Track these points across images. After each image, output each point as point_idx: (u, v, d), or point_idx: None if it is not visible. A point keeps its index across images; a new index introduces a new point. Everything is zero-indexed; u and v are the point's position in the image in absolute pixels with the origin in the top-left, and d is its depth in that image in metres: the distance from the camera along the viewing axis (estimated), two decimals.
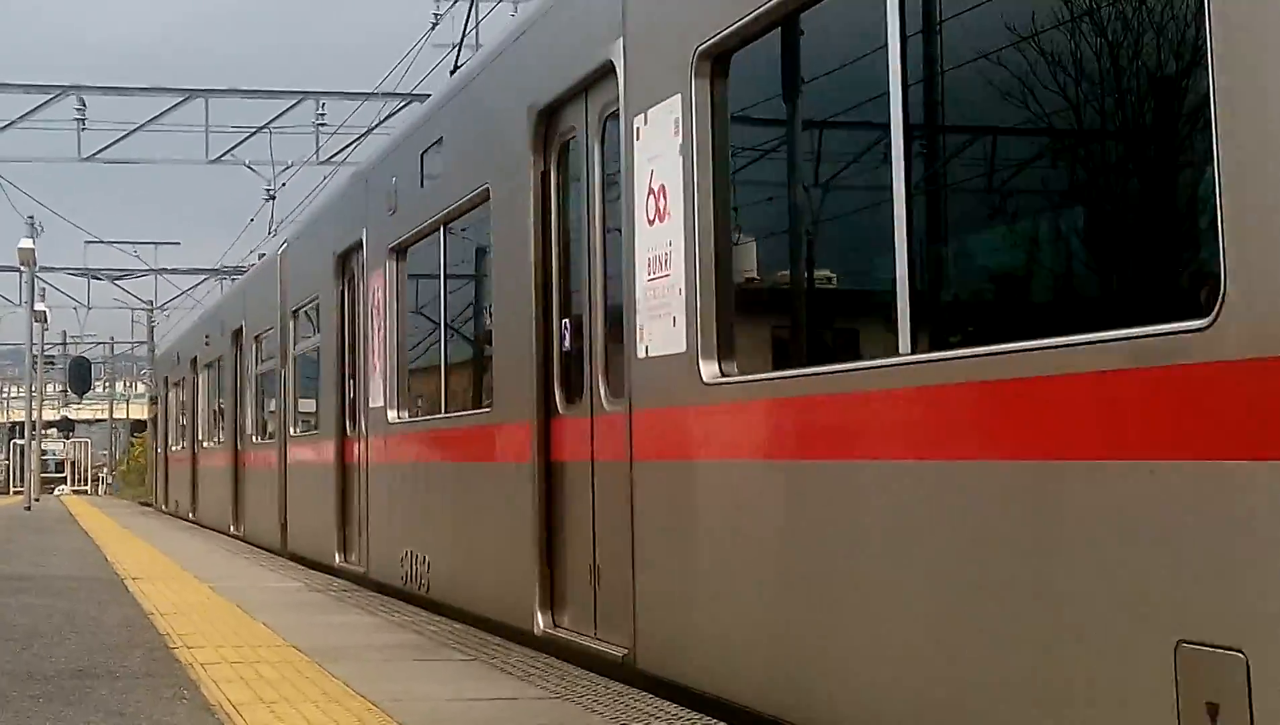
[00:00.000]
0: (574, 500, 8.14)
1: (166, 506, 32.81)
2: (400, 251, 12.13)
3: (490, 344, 9.53)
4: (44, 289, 48.66)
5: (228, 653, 8.13)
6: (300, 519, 16.46)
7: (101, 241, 53.99)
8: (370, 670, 7.50)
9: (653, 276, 6.87)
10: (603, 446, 7.71)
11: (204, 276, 54.24)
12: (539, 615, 8.39)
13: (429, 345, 11.78)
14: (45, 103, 31.82)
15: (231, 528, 21.65)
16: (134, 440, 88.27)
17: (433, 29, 27.82)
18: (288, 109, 32.90)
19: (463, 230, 10.75)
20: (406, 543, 11.47)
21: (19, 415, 70.09)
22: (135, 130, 32.59)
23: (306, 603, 11.27)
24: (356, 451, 13.42)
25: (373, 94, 31.46)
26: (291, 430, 17.08)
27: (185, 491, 28.66)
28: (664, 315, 6.73)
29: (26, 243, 37.45)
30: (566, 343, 8.29)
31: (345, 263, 14.13)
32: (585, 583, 7.94)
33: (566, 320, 8.32)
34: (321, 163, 33.50)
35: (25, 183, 55.10)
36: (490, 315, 9.58)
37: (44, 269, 47.26)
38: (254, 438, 20.46)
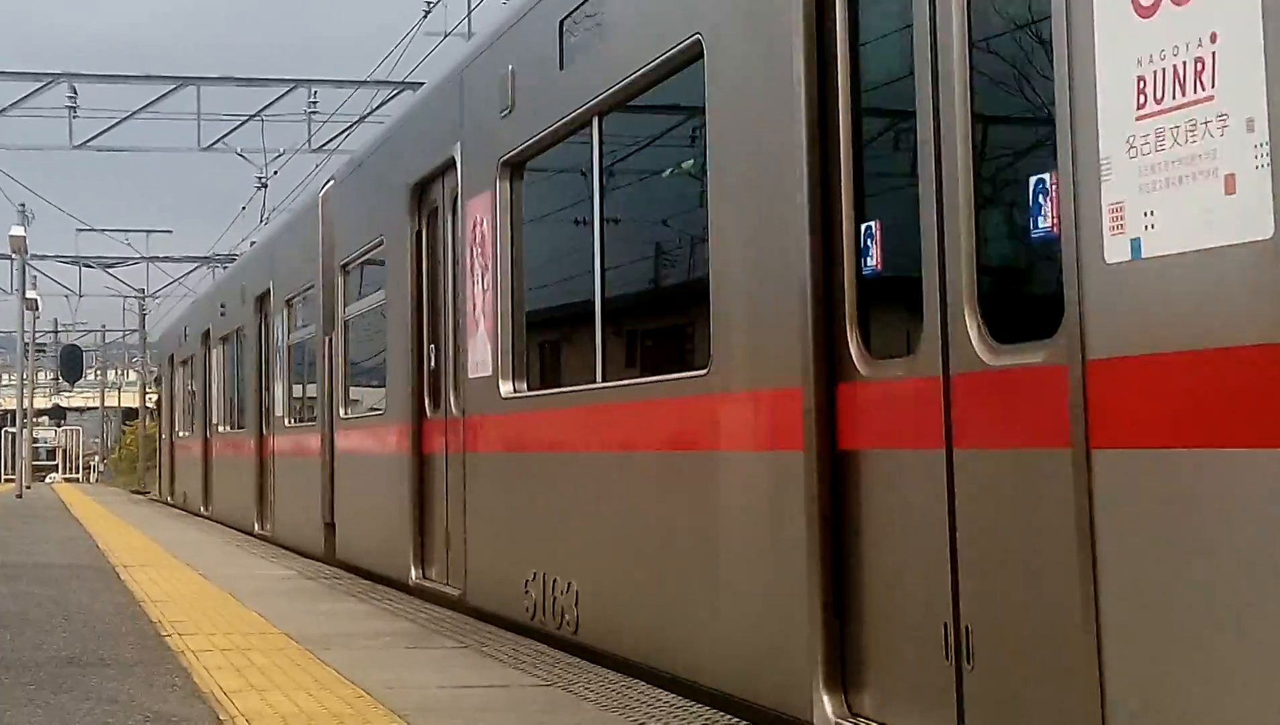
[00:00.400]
0: (894, 514, 5.20)
1: (173, 499, 30.16)
2: (518, 165, 9.08)
3: (700, 274, 6.54)
4: (35, 277, 48.66)
5: (219, 640, 8.12)
6: (355, 521, 13.28)
7: (93, 229, 53.93)
8: (362, 658, 7.50)
9: (1152, 108, 3.91)
10: (975, 425, 4.74)
11: (196, 264, 54.23)
12: (824, 700, 5.44)
13: (569, 289, 8.71)
14: (37, 90, 31.75)
15: (256, 526, 18.74)
16: (125, 428, 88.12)
17: (425, 17, 27.83)
18: (279, 97, 32.85)
19: (638, 114, 7.70)
20: (534, 561, 8.49)
21: (10, 403, 69.95)
22: (127, 118, 32.56)
23: (299, 590, 11.26)
24: (443, 437, 10.47)
25: (365, 82, 31.45)
26: (340, 412, 13.93)
27: (196, 483, 25.64)
28: (1194, 177, 3.78)
29: (18, 230, 37.42)
30: (874, 260, 5.41)
31: (423, 194, 11.10)
32: (932, 654, 4.91)
33: (872, 223, 5.44)
34: (313, 151, 33.48)
35: (17, 170, 55.32)
36: (702, 230, 6.52)
37: (35, 256, 47.25)
38: (287, 421, 17.05)
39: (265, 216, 35.81)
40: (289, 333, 17.22)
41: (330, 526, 14.15)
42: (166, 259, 55.95)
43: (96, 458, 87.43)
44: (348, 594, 10.94)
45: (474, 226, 9.56)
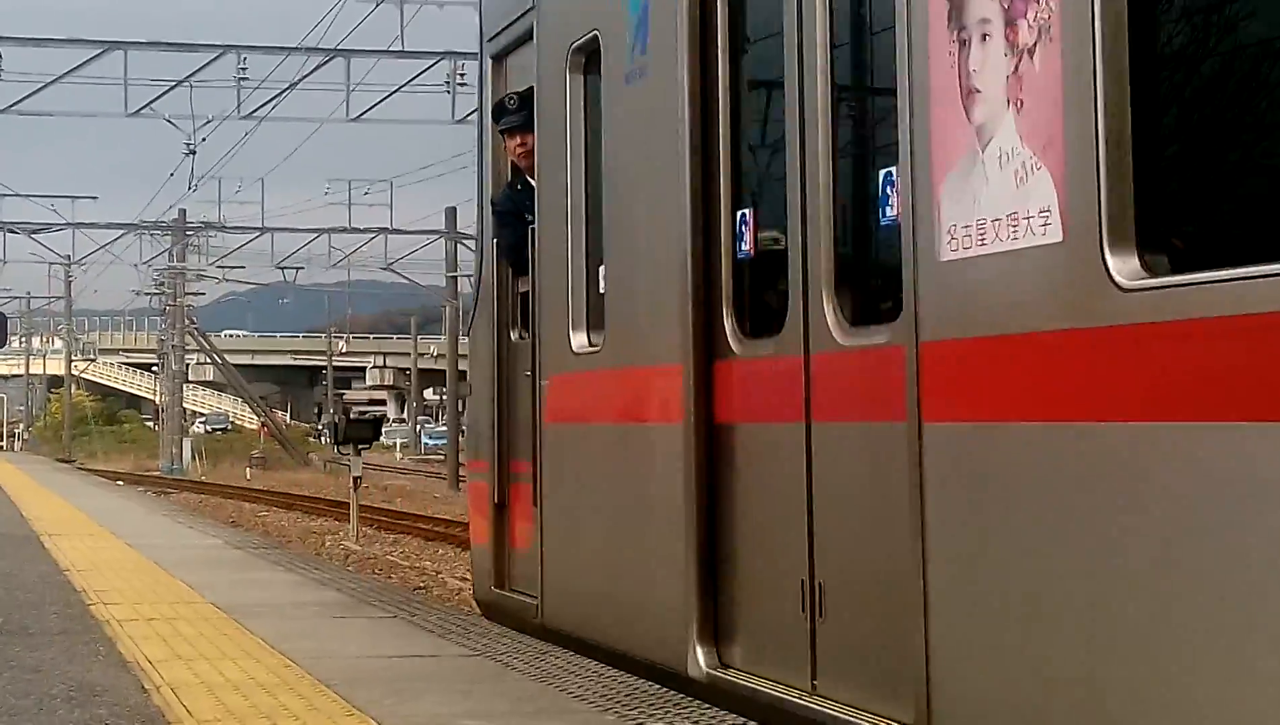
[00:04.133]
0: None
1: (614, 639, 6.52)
2: None
3: None
4: None
5: (145, 609, 8.07)
6: None
7: (17, 195, 53.32)
8: (290, 627, 7.47)
9: None
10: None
11: (122, 231, 53.72)
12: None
13: None
14: None
15: None
16: (51, 396, 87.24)
17: None
18: (208, 63, 32.59)
19: None
20: None
21: None
22: (53, 82, 32.22)
23: (226, 560, 11.20)
24: None
25: (296, 49, 31.19)
26: None
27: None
28: None
29: None
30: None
31: None
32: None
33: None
34: (243, 118, 33.22)
35: None
36: None
37: None
38: None
39: (193, 183, 35.47)
40: None
41: None
42: (92, 225, 55.41)
43: (21, 426, 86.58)
44: (275, 564, 10.90)
45: None
